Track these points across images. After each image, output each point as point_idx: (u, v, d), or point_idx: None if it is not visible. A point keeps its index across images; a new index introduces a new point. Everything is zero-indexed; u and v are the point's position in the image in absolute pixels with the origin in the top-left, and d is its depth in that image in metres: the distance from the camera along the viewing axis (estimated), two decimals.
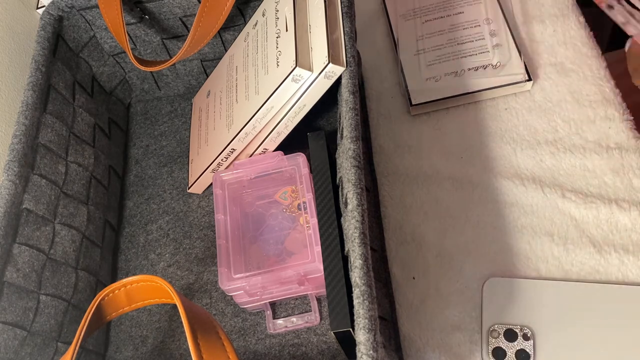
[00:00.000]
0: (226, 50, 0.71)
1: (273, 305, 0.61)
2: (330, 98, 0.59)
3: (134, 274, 0.64)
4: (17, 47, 0.70)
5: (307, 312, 0.60)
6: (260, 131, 0.60)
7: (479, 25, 0.72)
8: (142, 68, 0.61)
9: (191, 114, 0.75)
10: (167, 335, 0.62)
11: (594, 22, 0.73)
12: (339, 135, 0.56)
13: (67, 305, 0.57)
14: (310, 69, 0.54)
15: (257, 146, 0.62)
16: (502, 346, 0.55)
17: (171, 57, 0.72)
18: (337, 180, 0.56)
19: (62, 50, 0.65)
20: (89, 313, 0.44)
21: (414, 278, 0.61)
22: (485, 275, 0.59)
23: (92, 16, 0.66)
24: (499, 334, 0.55)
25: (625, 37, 0.74)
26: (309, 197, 0.58)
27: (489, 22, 0.72)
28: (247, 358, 0.59)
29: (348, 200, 0.47)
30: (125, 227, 0.69)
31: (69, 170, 0.61)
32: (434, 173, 0.66)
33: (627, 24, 0.65)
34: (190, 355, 0.60)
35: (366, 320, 0.41)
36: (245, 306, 0.60)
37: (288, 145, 0.63)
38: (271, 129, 0.60)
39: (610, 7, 0.64)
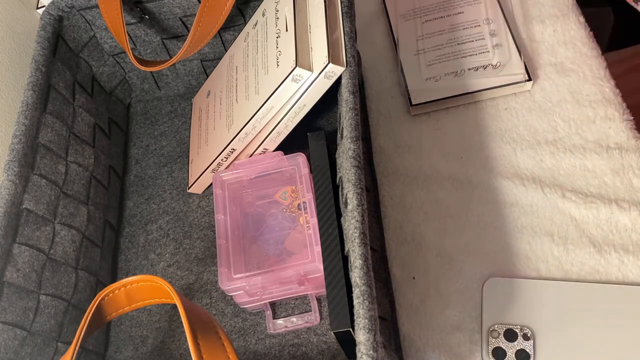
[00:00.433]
0: (226, 50, 0.71)
1: (273, 305, 0.61)
2: (330, 98, 0.59)
3: (134, 274, 0.64)
4: (17, 47, 0.70)
5: (307, 312, 0.60)
6: (260, 131, 0.60)
7: (479, 25, 0.72)
8: (142, 68, 0.61)
9: (191, 114, 0.75)
10: (167, 335, 0.62)
11: (594, 22, 0.73)
12: (339, 135, 0.56)
13: (67, 305, 0.57)
14: (310, 69, 0.54)
15: (257, 146, 0.62)
16: (502, 346, 0.55)
17: (171, 57, 0.72)
18: (337, 180, 0.56)
19: (62, 50, 0.65)
20: (89, 313, 0.44)
21: (414, 278, 0.61)
22: (485, 275, 0.59)
23: (92, 16, 0.66)
24: (499, 334, 0.55)
25: (625, 37, 0.74)
26: (309, 197, 0.58)
27: (489, 22, 0.72)
28: (247, 358, 0.59)
29: (348, 200, 0.47)
30: (125, 227, 0.69)
31: (69, 170, 0.61)
32: (434, 173, 0.66)
33: None
34: (190, 355, 0.60)
35: (366, 320, 0.41)
36: (245, 306, 0.60)
37: (288, 145, 0.63)
38: (271, 129, 0.60)
39: (637, 1, 0.64)
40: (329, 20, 0.56)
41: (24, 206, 0.54)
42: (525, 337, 0.55)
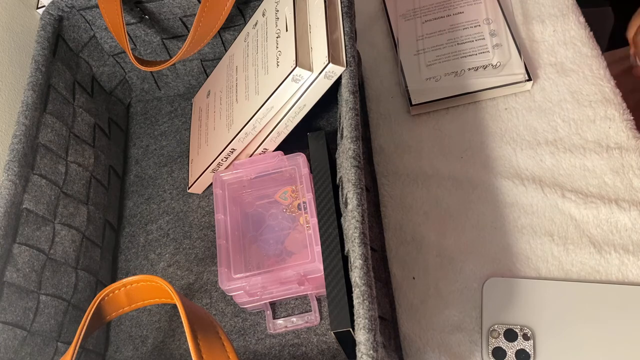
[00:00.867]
0: (226, 50, 0.71)
1: (273, 305, 0.61)
2: (330, 98, 0.59)
3: (134, 274, 0.64)
4: (17, 47, 0.70)
5: (307, 312, 0.60)
6: (260, 131, 0.60)
7: (479, 25, 0.72)
8: (142, 68, 0.61)
9: (191, 114, 0.75)
10: (167, 335, 0.62)
11: (594, 22, 0.73)
12: (339, 135, 0.56)
13: (67, 305, 0.57)
14: (310, 69, 0.54)
15: (257, 146, 0.62)
16: (502, 346, 0.55)
17: (171, 57, 0.72)
18: (337, 180, 0.56)
19: (62, 50, 0.65)
20: (89, 313, 0.44)
21: (414, 278, 0.61)
22: (485, 275, 0.59)
23: (92, 16, 0.66)
24: (499, 334, 0.55)
25: (625, 37, 0.74)
26: (309, 197, 0.58)
27: (489, 22, 0.72)
28: (247, 358, 0.59)
29: (348, 200, 0.47)
30: (125, 227, 0.69)
31: (69, 170, 0.61)
32: (434, 173, 0.66)
33: None
34: (190, 355, 0.60)
35: (366, 320, 0.41)
36: (245, 306, 0.60)
37: (288, 145, 0.63)
38: (271, 129, 0.60)
39: None
40: (329, 20, 0.56)
41: (24, 206, 0.54)
42: (525, 337, 0.55)
